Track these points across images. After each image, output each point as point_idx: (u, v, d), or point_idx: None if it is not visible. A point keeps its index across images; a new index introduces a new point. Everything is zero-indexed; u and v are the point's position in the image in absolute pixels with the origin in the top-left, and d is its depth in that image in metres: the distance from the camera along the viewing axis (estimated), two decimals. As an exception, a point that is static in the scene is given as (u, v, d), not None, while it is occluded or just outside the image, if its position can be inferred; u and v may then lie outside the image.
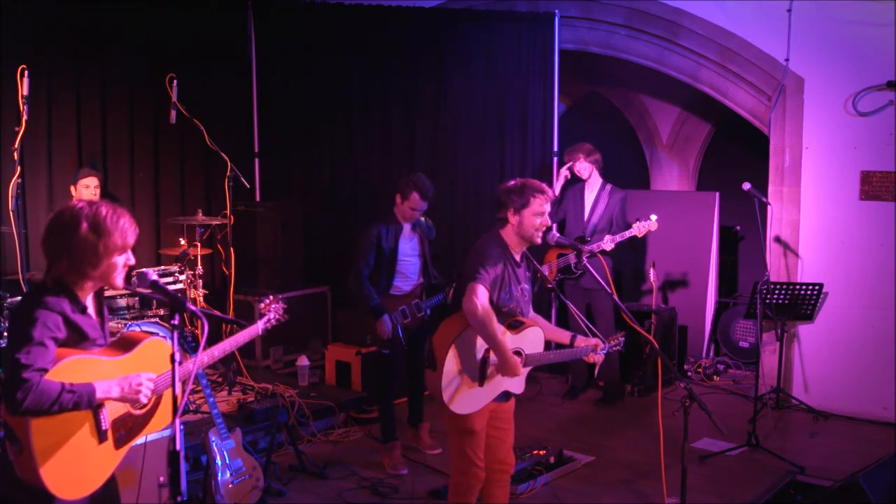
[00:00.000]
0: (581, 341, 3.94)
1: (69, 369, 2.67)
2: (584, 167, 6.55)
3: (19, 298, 4.29)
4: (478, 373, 3.71)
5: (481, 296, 3.61)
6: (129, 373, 2.79)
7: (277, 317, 3.63)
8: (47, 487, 2.63)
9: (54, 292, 2.73)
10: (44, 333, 2.63)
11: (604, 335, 4.03)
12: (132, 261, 2.88)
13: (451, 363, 3.66)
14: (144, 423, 2.94)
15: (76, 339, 2.76)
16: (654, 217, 6.18)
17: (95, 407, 2.73)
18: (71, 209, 2.78)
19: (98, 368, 2.75)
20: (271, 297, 3.68)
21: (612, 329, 6.21)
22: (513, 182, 3.86)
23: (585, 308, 6.54)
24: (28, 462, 2.61)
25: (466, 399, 3.71)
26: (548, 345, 3.97)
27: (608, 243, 6.12)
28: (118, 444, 2.85)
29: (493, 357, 3.71)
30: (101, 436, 2.78)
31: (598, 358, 3.93)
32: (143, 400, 2.80)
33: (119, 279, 2.84)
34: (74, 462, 2.71)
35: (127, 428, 2.88)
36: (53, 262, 2.77)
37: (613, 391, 6.73)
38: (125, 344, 2.92)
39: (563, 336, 4.02)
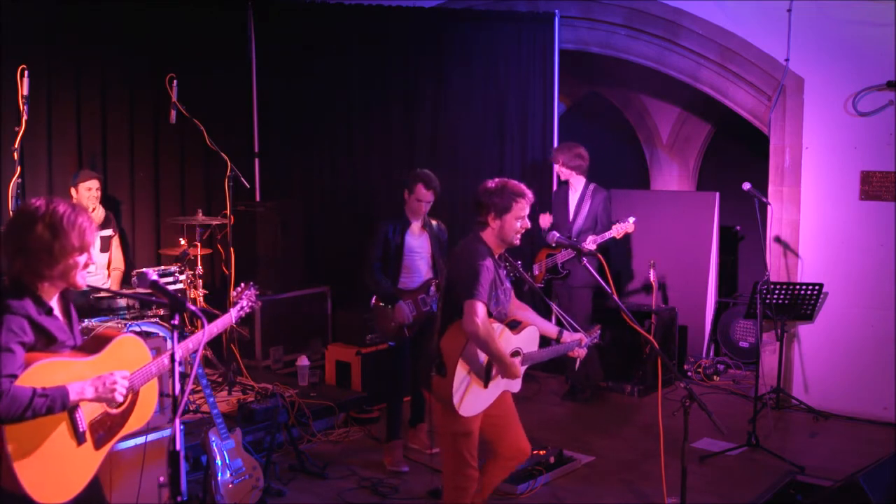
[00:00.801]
0: (567, 336, 4.06)
1: (40, 373, 2.61)
2: (562, 171, 6.59)
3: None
4: (483, 375, 3.73)
5: (481, 313, 3.59)
6: (102, 372, 2.73)
7: (251, 303, 3.59)
8: (28, 493, 2.58)
9: (16, 295, 2.66)
10: (10, 338, 2.56)
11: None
12: (93, 260, 2.83)
13: (460, 369, 3.67)
14: (123, 421, 2.91)
15: (44, 342, 2.70)
16: (631, 219, 6.24)
17: (70, 409, 2.69)
18: (28, 208, 2.72)
19: (70, 370, 2.70)
20: (243, 285, 3.62)
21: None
22: (492, 183, 3.84)
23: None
24: (6, 469, 2.56)
25: (472, 402, 3.73)
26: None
27: (591, 244, 6.16)
28: (98, 444, 2.81)
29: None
30: (79, 438, 2.74)
31: (581, 352, 4.07)
32: (119, 399, 2.75)
33: (80, 279, 2.78)
34: (54, 466, 2.67)
35: (106, 428, 2.84)
36: (10, 263, 2.71)
37: (587, 386, 6.71)
38: (96, 343, 2.86)
39: (552, 331, 4.09)
